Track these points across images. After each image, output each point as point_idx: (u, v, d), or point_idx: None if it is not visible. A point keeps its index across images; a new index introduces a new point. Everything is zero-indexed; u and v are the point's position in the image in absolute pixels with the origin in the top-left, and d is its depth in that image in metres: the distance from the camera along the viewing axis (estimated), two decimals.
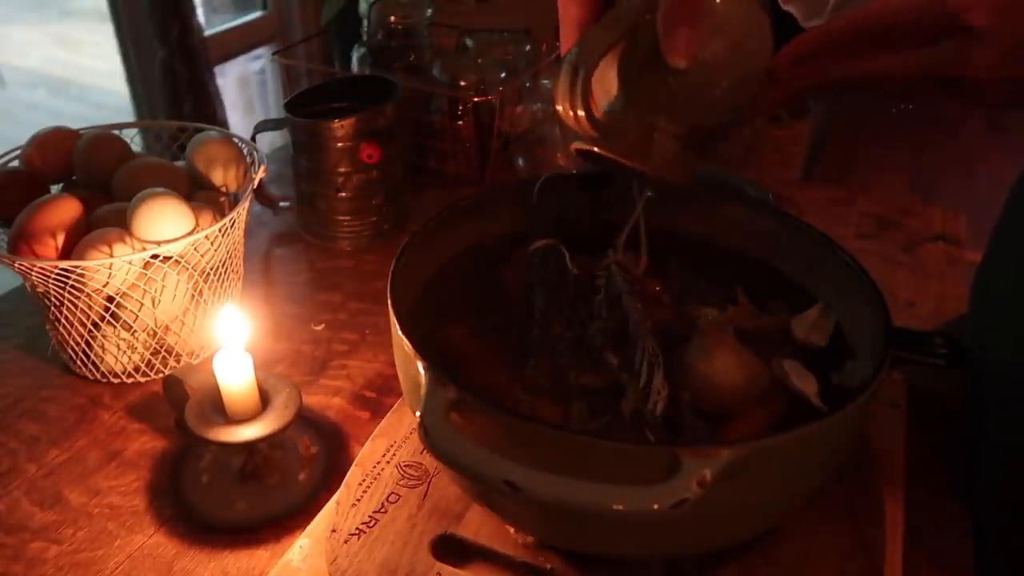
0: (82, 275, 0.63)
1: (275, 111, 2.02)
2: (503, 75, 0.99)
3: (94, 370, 0.70)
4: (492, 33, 1.05)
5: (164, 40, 1.56)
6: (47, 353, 0.73)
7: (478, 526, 0.52)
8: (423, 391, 0.42)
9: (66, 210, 0.65)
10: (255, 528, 0.57)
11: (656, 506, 0.37)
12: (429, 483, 0.56)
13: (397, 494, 0.55)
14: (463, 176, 1.02)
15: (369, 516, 0.53)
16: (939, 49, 0.39)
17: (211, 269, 0.69)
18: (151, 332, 0.69)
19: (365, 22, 1.05)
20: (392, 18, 1.03)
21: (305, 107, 0.89)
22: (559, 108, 0.43)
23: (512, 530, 0.51)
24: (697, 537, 0.45)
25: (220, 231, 0.67)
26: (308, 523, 0.55)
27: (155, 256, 0.64)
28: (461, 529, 0.52)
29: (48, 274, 0.62)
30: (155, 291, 0.66)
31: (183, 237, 0.64)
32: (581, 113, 0.42)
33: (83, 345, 0.68)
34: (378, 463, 0.57)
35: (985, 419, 0.63)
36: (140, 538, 0.57)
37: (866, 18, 0.41)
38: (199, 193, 0.74)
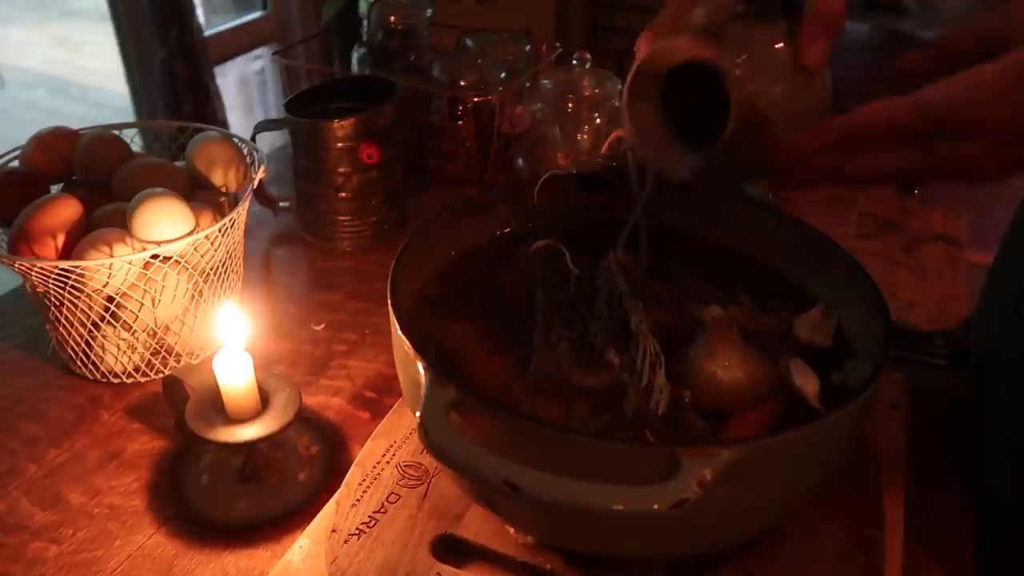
0: (82, 275, 0.63)
1: (275, 111, 2.02)
2: (503, 75, 0.99)
3: (94, 370, 0.70)
4: (492, 33, 1.05)
5: (164, 40, 1.56)
6: (47, 353, 0.73)
7: (478, 526, 0.52)
8: (423, 391, 0.42)
9: (66, 210, 0.65)
10: (255, 528, 0.57)
11: (656, 506, 0.37)
12: (429, 483, 0.56)
13: (397, 494, 0.55)
14: (463, 176, 1.02)
15: (369, 516, 0.53)
16: (933, 146, 0.43)
17: (211, 269, 0.69)
18: (151, 332, 0.69)
19: (365, 22, 1.05)
20: (392, 18, 1.03)
21: (305, 107, 0.89)
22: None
23: (512, 530, 0.51)
24: (697, 537, 0.45)
25: (220, 231, 0.67)
26: (308, 523, 0.55)
27: (155, 256, 0.64)
28: (461, 529, 0.52)
29: (48, 274, 0.62)
30: (155, 291, 0.66)
31: (183, 237, 0.64)
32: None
33: (83, 345, 0.68)
34: (378, 463, 0.57)
35: (990, 421, 0.63)
36: (140, 538, 0.57)
37: (866, 123, 0.44)
38: (199, 193, 0.74)
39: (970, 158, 0.43)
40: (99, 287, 0.64)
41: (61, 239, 0.64)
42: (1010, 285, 0.67)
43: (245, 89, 2.05)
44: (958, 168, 0.44)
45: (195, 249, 0.66)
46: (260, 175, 0.74)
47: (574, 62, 0.96)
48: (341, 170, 0.87)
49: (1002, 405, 0.62)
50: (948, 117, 0.42)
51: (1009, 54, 0.41)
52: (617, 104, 0.96)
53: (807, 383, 0.49)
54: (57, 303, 0.66)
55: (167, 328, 0.69)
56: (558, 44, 1.08)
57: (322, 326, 0.78)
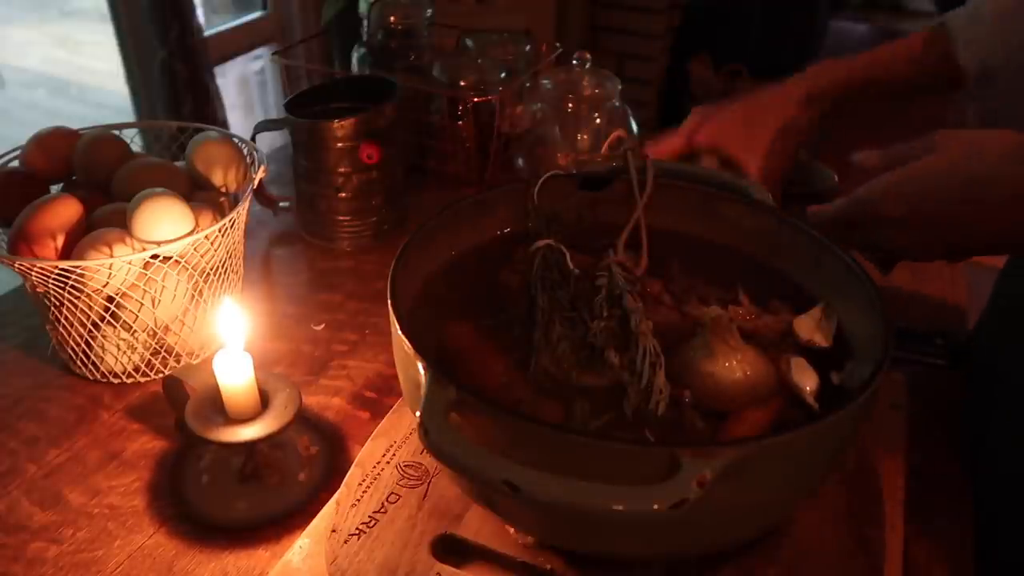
0: (82, 275, 0.63)
1: (275, 111, 2.02)
2: (503, 75, 0.99)
3: (94, 370, 0.69)
4: (492, 33, 1.05)
5: (164, 40, 1.56)
6: (47, 353, 0.73)
7: (478, 526, 0.52)
8: (423, 391, 0.42)
9: (66, 210, 0.65)
10: (255, 528, 0.57)
11: (656, 506, 0.37)
12: (429, 483, 0.56)
13: (397, 494, 0.55)
14: (463, 176, 1.02)
15: (369, 516, 0.53)
16: (866, 230, 0.57)
17: (211, 269, 0.69)
18: (151, 332, 0.69)
19: (365, 22, 1.05)
20: (392, 18, 1.03)
21: (305, 107, 0.88)
22: None
23: (512, 530, 0.51)
24: (697, 537, 0.45)
25: (220, 231, 0.67)
26: (308, 523, 0.55)
27: (155, 256, 0.64)
28: (461, 529, 0.52)
29: (48, 274, 0.62)
30: (155, 291, 0.66)
31: (183, 237, 0.64)
32: None
33: (83, 345, 0.68)
34: (378, 463, 0.57)
35: (992, 421, 0.63)
36: (140, 538, 0.57)
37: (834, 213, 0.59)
38: (199, 193, 0.74)
39: (899, 243, 0.56)
40: (99, 287, 0.64)
41: (61, 239, 0.64)
42: (1020, 286, 0.67)
43: (245, 89, 2.05)
44: (886, 247, 0.57)
45: (195, 249, 0.66)
46: (260, 175, 0.74)
47: (574, 62, 0.96)
48: (341, 170, 0.87)
49: (1004, 405, 0.63)
50: (866, 208, 0.56)
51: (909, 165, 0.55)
52: (616, 104, 0.96)
53: (806, 381, 0.49)
54: (57, 303, 0.66)
55: (167, 328, 0.69)
56: (558, 44, 1.08)
57: (322, 326, 0.78)
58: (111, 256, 0.63)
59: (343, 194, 0.88)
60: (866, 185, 0.57)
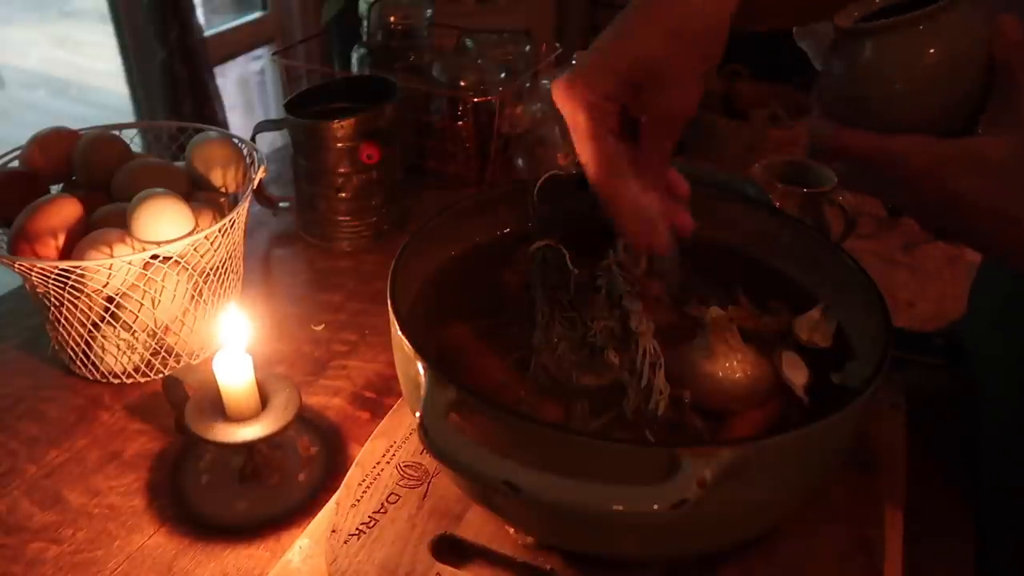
0: (82, 275, 0.63)
1: (275, 111, 2.02)
2: (503, 75, 0.99)
3: (94, 370, 0.69)
4: (492, 33, 1.05)
5: (164, 40, 1.56)
6: (47, 353, 0.73)
7: (478, 526, 0.52)
8: (423, 391, 0.42)
9: (66, 210, 0.65)
10: (255, 528, 0.57)
11: (656, 506, 0.37)
12: (429, 483, 0.56)
13: (397, 494, 0.55)
14: (463, 176, 1.02)
15: (369, 516, 0.53)
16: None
17: (211, 269, 0.69)
18: (151, 332, 0.69)
19: (365, 22, 1.05)
20: (392, 19, 1.03)
21: (305, 107, 0.88)
22: None
23: (512, 530, 0.51)
24: (697, 537, 0.45)
25: (220, 231, 0.67)
26: (308, 523, 0.55)
27: (155, 256, 0.64)
28: (461, 529, 0.52)
29: (48, 274, 0.62)
30: (155, 291, 0.66)
31: (183, 237, 0.64)
32: None
33: (83, 345, 0.68)
34: (378, 463, 0.57)
35: (982, 417, 0.63)
36: (140, 538, 0.57)
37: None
38: (199, 193, 0.74)
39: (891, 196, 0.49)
40: (99, 287, 0.64)
41: (61, 239, 0.64)
42: (994, 291, 0.67)
43: (245, 89, 2.06)
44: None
45: (195, 249, 0.66)
46: (260, 175, 0.74)
47: (574, 62, 0.96)
48: (341, 170, 0.87)
49: (992, 406, 0.63)
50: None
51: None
52: None
53: (796, 375, 0.49)
54: (57, 303, 0.66)
55: (167, 328, 0.69)
56: (558, 44, 1.08)
57: (322, 326, 0.78)
58: (111, 256, 0.63)
59: (343, 194, 0.88)
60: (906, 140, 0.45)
